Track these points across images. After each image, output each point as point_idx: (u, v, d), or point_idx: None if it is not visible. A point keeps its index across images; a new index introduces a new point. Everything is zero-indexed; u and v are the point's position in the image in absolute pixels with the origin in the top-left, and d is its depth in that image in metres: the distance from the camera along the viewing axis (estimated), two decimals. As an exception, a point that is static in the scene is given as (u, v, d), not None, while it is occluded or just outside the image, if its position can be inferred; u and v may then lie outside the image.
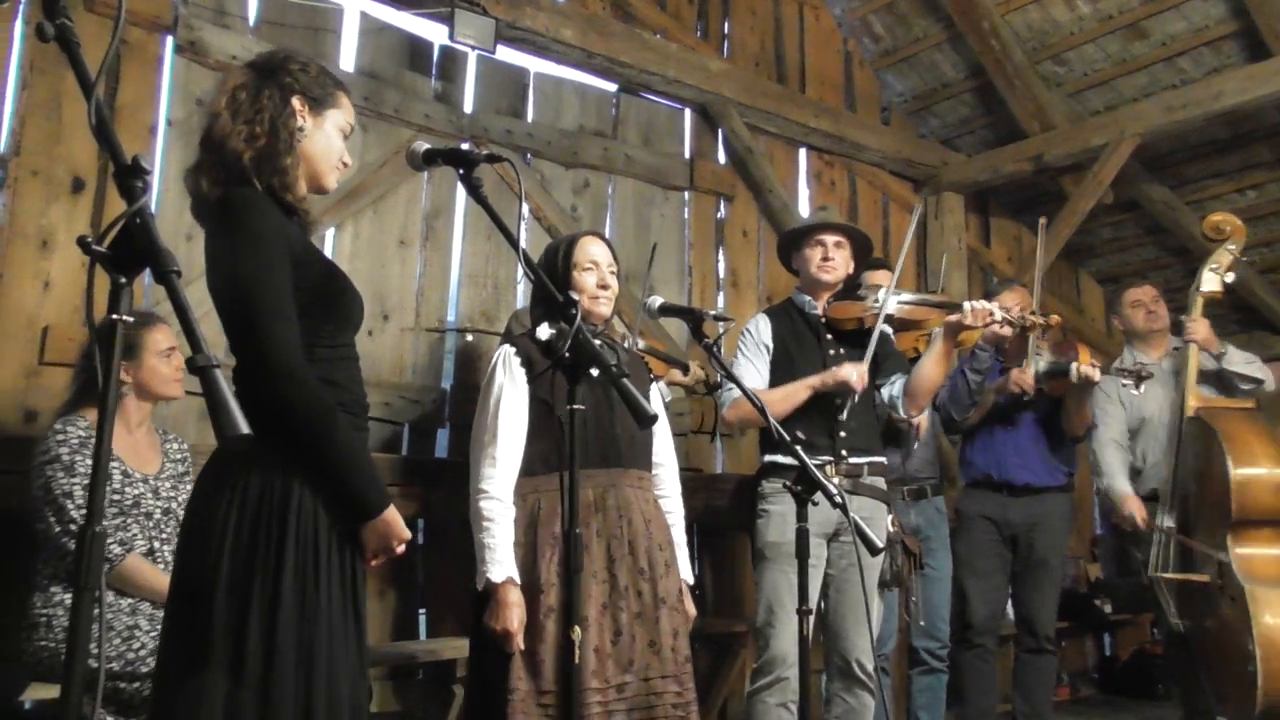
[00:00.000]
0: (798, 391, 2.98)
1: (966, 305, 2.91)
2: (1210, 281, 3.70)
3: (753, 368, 3.08)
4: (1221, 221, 3.75)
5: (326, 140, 1.87)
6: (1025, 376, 3.69)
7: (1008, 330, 3.01)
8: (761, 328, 3.17)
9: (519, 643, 2.23)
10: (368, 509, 1.71)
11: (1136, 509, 3.81)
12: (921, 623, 3.61)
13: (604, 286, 2.49)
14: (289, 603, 1.60)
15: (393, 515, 1.75)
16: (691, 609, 2.54)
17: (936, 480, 3.90)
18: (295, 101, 1.81)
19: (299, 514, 1.65)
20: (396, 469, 3.53)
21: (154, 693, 1.73)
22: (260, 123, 1.76)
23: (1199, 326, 3.71)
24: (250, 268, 1.65)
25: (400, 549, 1.79)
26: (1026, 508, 3.82)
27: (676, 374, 3.66)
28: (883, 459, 3.12)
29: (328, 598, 1.65)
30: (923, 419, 3.45)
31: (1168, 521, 3.61)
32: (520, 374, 2.39)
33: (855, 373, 2.91)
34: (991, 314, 2.89)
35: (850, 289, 3.20)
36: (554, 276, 2.45)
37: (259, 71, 1.83)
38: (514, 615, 2.23)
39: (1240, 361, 3.82)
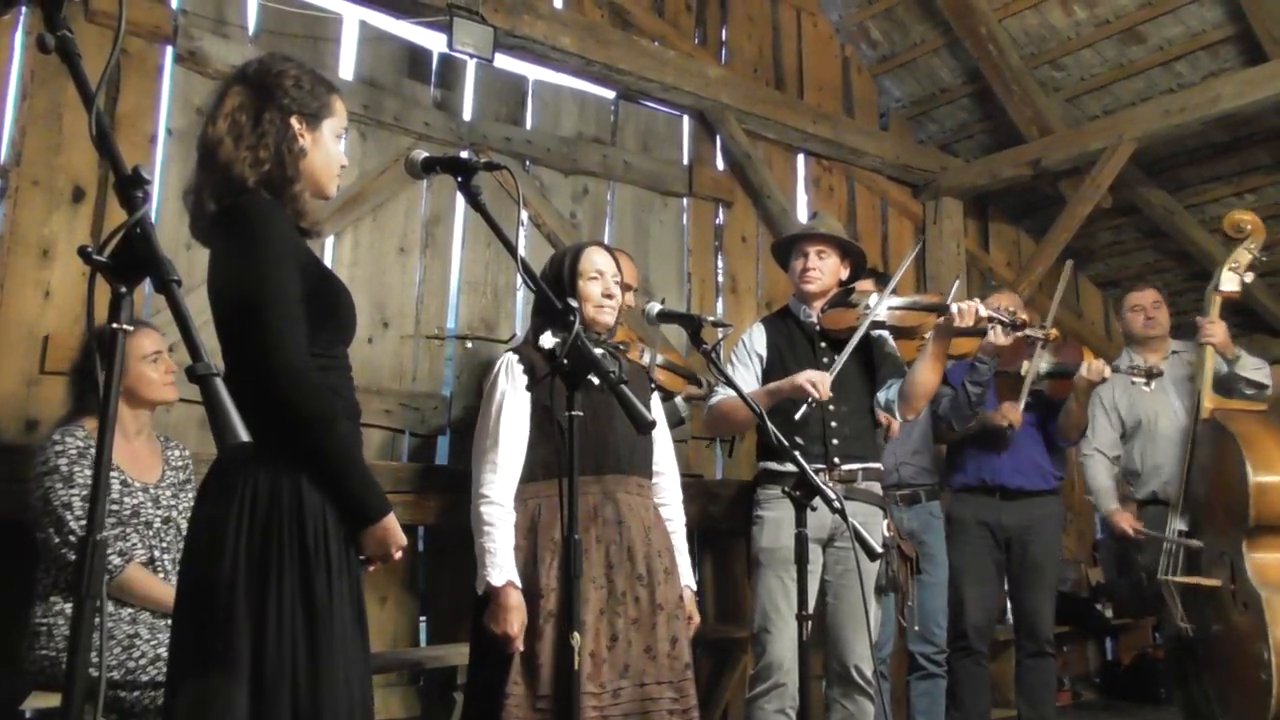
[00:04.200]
0: (759, 398, 2.97)
1: (954, 307, 2.91)
2: (1229, 281, 3.62)
3: (740, 376, 3.09)
4: (1241, 219, 3.65)
5: (325, 153, 1.89)
6: (1014, 413, 3.72)
7: (1002, 337, 3.02)
8: (755, 336, 3.20)
9: (519, 645, 2.25)
10: (368, 514, 1.73)
11: (1127, 523, 3.87)
12: (916, 628, 3.61)
13: (608, 296, 2.53)
14: (301, 602, 1.62)
15: (392, 522, 1.77)
16: (695, 614, 2.56)
17: (932, 485, 3.90)
18: (294, 122, 1.83)
19: (310, 511, 1.66)
20: (397, 476, 3.52)
21: (168, 700, 1.74)
22: (265, 147, 1.78)
23: (1217, 329, 3.65)
24: (264, 269, 1.67)
25: (398, 555, 1.81)
26: (1019, 511, 3.83)
27: (694, 388, 3.66)
28: (878, 464, 3.13)
29: (340, 597, 1.67)
30: (894, 423, 3.43)
31: (1180, 525, 3.59)
32: (523, 381, 2.42)
33: (811, 378, 2.87)
34: (980, 313, 2.90)
35: (846, 294, 3.21)
36: (559, 285, 2.48)
37: (255, 89, 1.83)
38: (514, 618, 2.25)
39: (1250, 367, 3.79)
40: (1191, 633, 3.57)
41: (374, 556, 1.79)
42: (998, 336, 3.12)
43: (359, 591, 1.75)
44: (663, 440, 2.66)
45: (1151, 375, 3.48)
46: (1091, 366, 3.54)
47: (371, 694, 1.78)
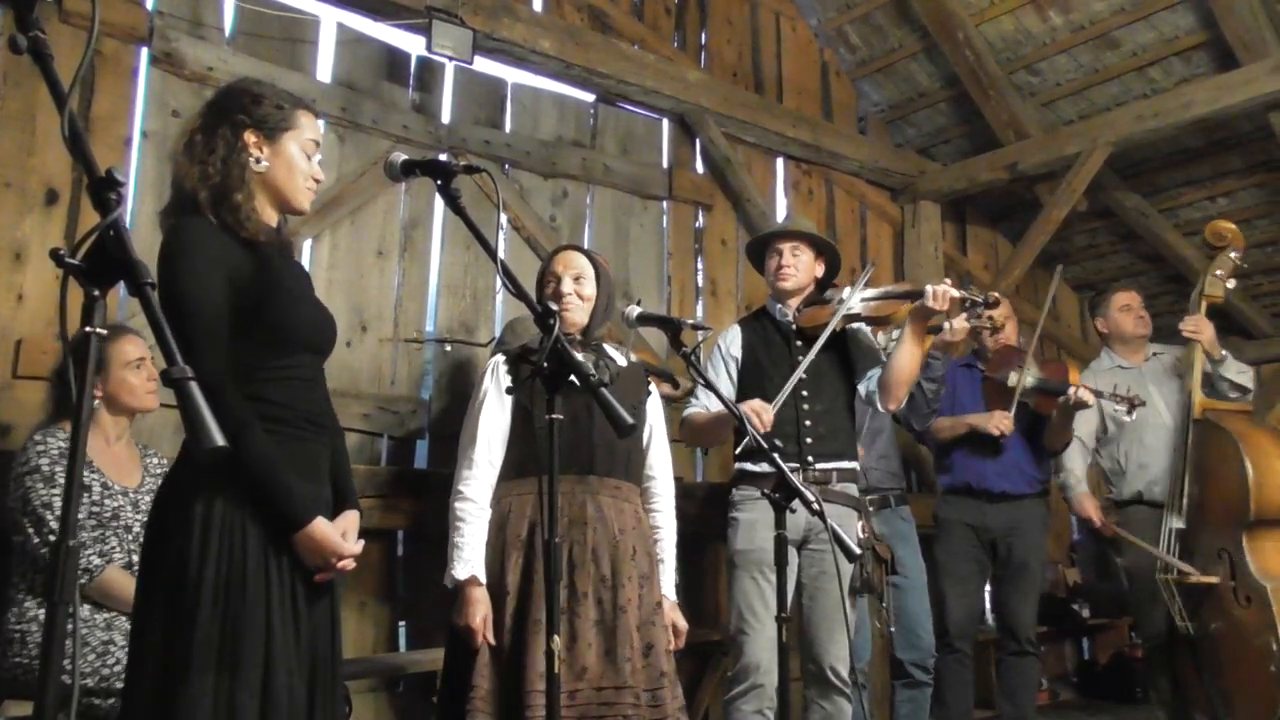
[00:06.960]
0: (708, 423, 3.07)
1: (928, 288, 2.92)
2: (1213, 285, 3.81)
3: (713, 382, 3.08)
4: (1223, 228, 3.84)
5: (288, 165, 1.91)
6: (1006, 421, 3.76)
7: (956, 335, 3.05)
8: (730, 339, 3.20)
9: (487, 637, 2.27)
10: (288, 522, 1.78)
11: (1093, 509, 3.96)
12: (892, 629, 3.62)
13: (559, 296, 2.51)
14: (207, 611, 1.67)
15: (320, 531, 1.79)
16: (681, 622, 2.56)
17: (900, 490, 3.93)
18: (248, 135, 1.88)
19: (221, 527, 1.72)
20: (376, 480, 3.51)
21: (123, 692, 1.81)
22: (213, 162, 1.84)
23: (1204, 327, 3.78)
24: (180, 288, 1.74)
25: (343, 564, 1.84)
26: (1004, 513, 3.86)
27: (667, 388, 3.67)
28: (854, 465, 3.12)
29: (257, 603, 1.71)
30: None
31: (1177, 523, 3.65)
32: (507, 382, 2.47)
33: (752, 409, 2.86)
34: (952, 295, 2.90)
35: (822, 293, 3.22)
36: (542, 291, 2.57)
37: (214, 111, 1.91)
38: (477, 612, 2.29)
39: (1234, 370, 3.89)
40: (1192, 631, 3.60)
41: (312, 564, 1.81)
42: (953, 334, 3.14)
43: (294, 599, 1.78)
44: (658, 443, 2.66)
45: (1134, 406, 3.57)
46: (1075, 395, 3.61)
47: (302, 695, 1.78)
